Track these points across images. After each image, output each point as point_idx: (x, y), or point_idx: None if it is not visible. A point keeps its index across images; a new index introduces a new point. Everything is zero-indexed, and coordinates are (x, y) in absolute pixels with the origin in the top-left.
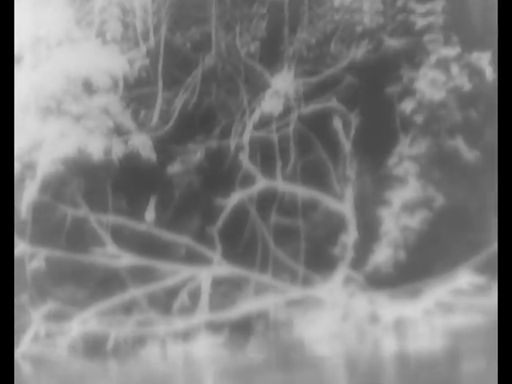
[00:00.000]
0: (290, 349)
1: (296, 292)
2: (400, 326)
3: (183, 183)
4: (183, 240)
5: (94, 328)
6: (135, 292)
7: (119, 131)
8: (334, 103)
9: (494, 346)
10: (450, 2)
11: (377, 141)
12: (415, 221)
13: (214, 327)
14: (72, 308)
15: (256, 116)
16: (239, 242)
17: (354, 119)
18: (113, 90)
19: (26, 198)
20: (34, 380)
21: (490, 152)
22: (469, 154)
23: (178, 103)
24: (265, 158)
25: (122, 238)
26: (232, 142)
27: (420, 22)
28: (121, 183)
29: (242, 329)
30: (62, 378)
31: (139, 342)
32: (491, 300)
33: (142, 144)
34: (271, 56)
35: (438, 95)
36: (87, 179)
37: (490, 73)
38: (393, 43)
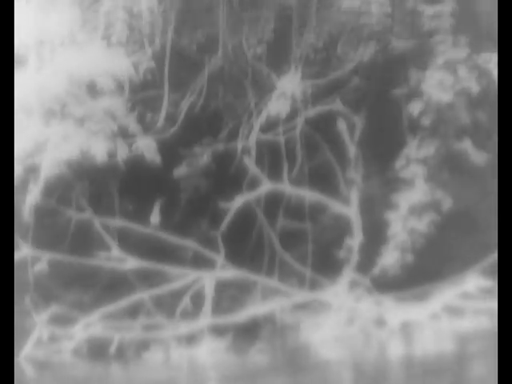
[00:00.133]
0: (296, 352)
1: (302, 295)
2: (407, 330)
3: (190, 186)
4: (189, 243)
5: (99, 332)
6: (140, 296)
7: (123, 134)
8: (340, 105)
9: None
10: (459, 3)
11: (384, 143)
12: (423, 224)
13: (219, 331)
14: (76, 312)
15: (262, 118)
16: (245, 246)
17: (359, 121)
18: (117, 93)
19: (28, 201)
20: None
21: None
22: (477, 156)
23: (185, 106)
24: (271, 160)
25: (128, 241)
26: (239, 145)
27: (428, 24)
28: (126, 186)
29: (247, 333)
30: (65, 382)
31: (143, 346)
32: None
33: (147, 147)
34: (278, 58)
35: (445, 97)
36: (91, 182)
37: None
38: (400, 45)
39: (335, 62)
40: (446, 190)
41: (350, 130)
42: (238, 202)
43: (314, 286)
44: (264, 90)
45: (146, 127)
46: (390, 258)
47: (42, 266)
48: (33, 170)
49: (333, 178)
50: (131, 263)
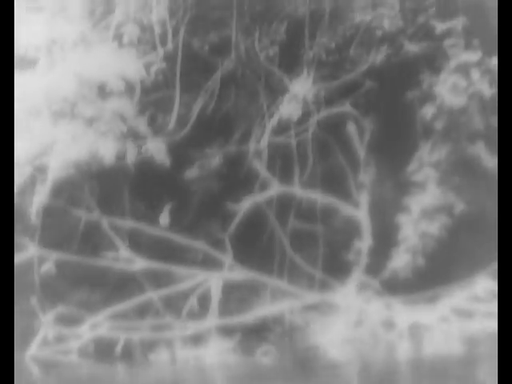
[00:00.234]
0: (304, 354)
1: (312, 297)
2: (416, 332)
3: (201, 188)
4: (200, 245)
5: (105, 332)
6: (147, 296)
7: (133, 135)
8: (352, 108)
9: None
10: (470, 7)
11: (396, 147)
12: (434, 227)
13: (227, 332)
14: (83, 312)
15: (274, 121)
16: (256, 247)
17: (370, 124)
18: (128, 94)
19: (36, 201)
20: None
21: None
22: (489, 160)
23: (196, 107)
24: (283, 163)
25: (138, 242)
26: (251, 147)
27: (440, 27)
28: (136, 187)
29: (255, 334)
30: (71, 382)
31: (149, 346)
32: None
33: (157, 149)
34: (290, 60)
35: (458, 101)
36: (100, 183)
37: None
38: (413, 48)
39: (348, 64)
40: (458, 194)
41: (360, 133)
42: (245, 203)
43: (323, 287)
44: (276, 93)
45: (157, 129)
46: (400, 261)
47: (49, 266)
48: (41, 171)
49: (344, 180)
50: (139, 264)
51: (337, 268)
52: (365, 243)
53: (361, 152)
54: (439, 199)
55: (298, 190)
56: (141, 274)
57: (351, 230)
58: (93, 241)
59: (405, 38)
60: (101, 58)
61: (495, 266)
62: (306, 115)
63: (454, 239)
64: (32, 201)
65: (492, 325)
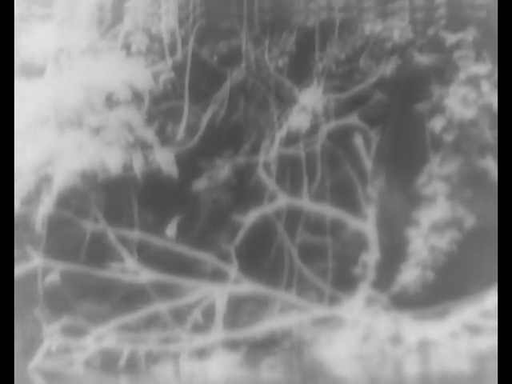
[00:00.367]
0: (311, 369)
1: (320, 311)
2: (425, 348)
3: (209, 199)
4: (207, 257)
5: (110, 344)
6: (154, 309)
7: (141, 145)
8: (362, 120)
9: None
10: (480, 19)
11: (406, 159)
12: (444, 241)
13: (233, 345)
14: (88, 323)
15: (283, 132)
16: (264, 260)
17: (379, 136)
18: (135, 104)
19: (41, 211)
20: None
21: None
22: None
23: (205, 117)
24: (292, 175)
25: (145, 254)
26: (260, 159)
27: (450, 38)
28: (143, 198)
29: (261, 348)
30: None
31: (154, 359)
32: None
33: (165, 159)
34: (300, 71)
35: (468, 113)
36: (106, 193)
37: None
38: (422, 59)
39: (357, 75)
40: (468, 208)
41: (369, 146)
42: (252, 216)
43: (332, 301)
44: (286, 104)
45: (165, 139)
46: (409, 276)
47: (54, 277)
48: (46, 180)
49: (353, 193)
50: (145, 275)
51: (345, 282)
52: (373, 257)
53: (368, 164)
54: (449, 213)
55: (306, 203)
56: (147, 286)
57: (360, 244)
58: (98, 252)
59: (415, 50)
60: (109, 67)
61: None
62: (315, 126)
63: (464, 253)
64: (37, 210)
65: None
